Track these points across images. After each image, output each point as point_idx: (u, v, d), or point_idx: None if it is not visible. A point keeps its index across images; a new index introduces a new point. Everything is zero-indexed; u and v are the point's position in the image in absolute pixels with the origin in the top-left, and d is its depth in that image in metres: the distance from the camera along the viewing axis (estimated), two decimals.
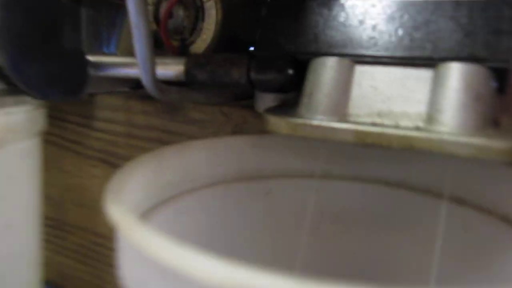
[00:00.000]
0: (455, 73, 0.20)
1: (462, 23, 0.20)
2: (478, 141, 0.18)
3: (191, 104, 0.33)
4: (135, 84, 0.34)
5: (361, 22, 0.22)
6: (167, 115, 0.34)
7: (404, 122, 0.20)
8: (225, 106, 0.32)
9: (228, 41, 0.29)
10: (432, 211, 0.25)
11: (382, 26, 0.22)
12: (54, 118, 0.40)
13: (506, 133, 0.19)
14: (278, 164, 0.26)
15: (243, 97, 0.32)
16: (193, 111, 0.33)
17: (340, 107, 0.21)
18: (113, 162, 0.38)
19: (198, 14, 0.29)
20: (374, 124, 0.20)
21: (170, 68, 0.27)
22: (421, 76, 0.21)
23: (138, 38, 0.23)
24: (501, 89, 0.21)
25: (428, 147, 0.19)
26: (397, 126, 0.20)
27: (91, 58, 0.30)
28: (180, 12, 0.30)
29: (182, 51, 0.30)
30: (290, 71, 0.24)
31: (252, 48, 0.27)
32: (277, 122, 0.22)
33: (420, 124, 0.20)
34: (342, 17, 0.23)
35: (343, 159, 0.26)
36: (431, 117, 0.20)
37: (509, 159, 0.18)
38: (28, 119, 0.32)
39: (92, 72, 0.30)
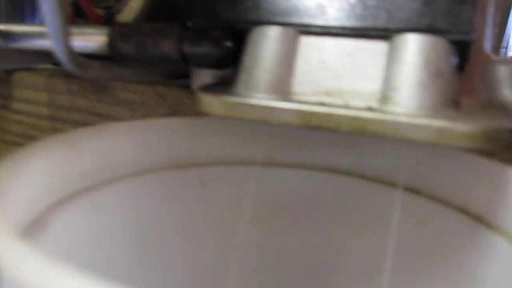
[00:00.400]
0: (413, 46, 0.17)
1: None
2: (438, 123, 0.16)
3: (121, 83, 0.29)
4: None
5: None
6: (94, 96, 0.30)
7: (355, 102, 0.18)
8: (159, 86, 0.28)
9: (161, 10, 0.26)
10: (386, 201, 0.23)
11: None
12: None
13: (468, 115, 0.17)
14: (216, 151, 0.23)
15: (180, 76, 0.29)
16: (123, 91, 0.29)
17: (283, 84, 0.19)
18: None
19: None
20: (321, 104, 0.18)
21: (92, 40, 0.24)
22: (375, 49, 0.18)
23: (46, 1, 0.19)
24: (460, 67, 0.19)
25: (381, 130, 0.16)
26: (347, 106, 0.17)
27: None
28: None
29: (107, 21, 0.26)
30: (228, 43, 0.21)
31: (186, 18, 0.23)
32: (210, 102, 0.19)
33: (373, 104, 0.18)
34: None
35: (287, 144, 0.24)
36: (385, 96, 0.17)
37: (473, 144, 0.16)
38: None
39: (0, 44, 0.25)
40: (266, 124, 0.18)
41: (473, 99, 0.19)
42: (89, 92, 0.31)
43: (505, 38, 0.37)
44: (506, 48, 0.38)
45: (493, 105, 0.20)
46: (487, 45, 0.21)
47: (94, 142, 0.20)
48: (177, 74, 0.28)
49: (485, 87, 0.20)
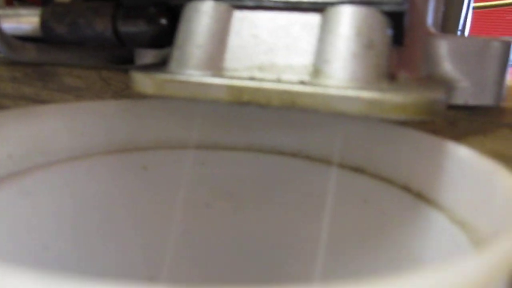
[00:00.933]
0: (345, 17, 0.17)
1: None
2: (368, 95, 0.15)
3: (66, 68, 0.28)
4: None
5: None
6: (39, 82, 0.29)
7: (287, 76, 0.17)
8: (104, 71, 0.27)
9: None
10: (332, 181, 0.22)
11: None
12: None
13: (402, 88, 0.17)
14: (156, 134, 0.23)
15: (125, 60, 0.28)
16: (68, 77, 0.28)
17: (215, 60, 0.18)
18: None
19: None
20: (252, 79, 0.17)
21: (25, 21, 0.23)
22: (308, 22, 0.18)
23: None
24: (398, 40, 0.18)
25: (312, 103, 0.16)
26: (278, 81, 0.17)
27: None
28: None
29: (46, 3, 0.25)
30: (163, 21, 0.20)
31: None
32: (141, 80, 0.18)
33: (305, 77, 0.17)
34: None
35: (231, 126, 0.23)
36: (317, 69, 0.17)
37: (404, 115, 0.16)
38: None
39: None
40: (197, 101, 0.17)
41: (411, 73, 0.19)
42: (34, 79, 0.29)
43: (461, 20, 0.37)
44: (463, 31, 0.38)
45: (432, 79, 0.19)
46: (429, 19, 0.21)
47: (21, 125, 0.19)
48: (122, 58, 0.27)
49: (425, 61, 0.20)
